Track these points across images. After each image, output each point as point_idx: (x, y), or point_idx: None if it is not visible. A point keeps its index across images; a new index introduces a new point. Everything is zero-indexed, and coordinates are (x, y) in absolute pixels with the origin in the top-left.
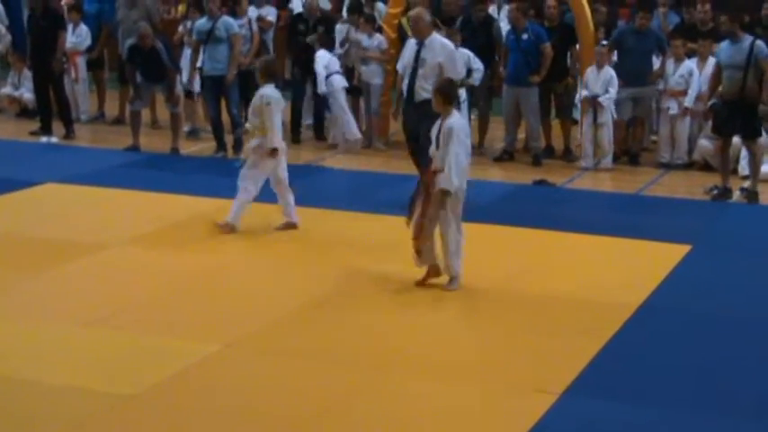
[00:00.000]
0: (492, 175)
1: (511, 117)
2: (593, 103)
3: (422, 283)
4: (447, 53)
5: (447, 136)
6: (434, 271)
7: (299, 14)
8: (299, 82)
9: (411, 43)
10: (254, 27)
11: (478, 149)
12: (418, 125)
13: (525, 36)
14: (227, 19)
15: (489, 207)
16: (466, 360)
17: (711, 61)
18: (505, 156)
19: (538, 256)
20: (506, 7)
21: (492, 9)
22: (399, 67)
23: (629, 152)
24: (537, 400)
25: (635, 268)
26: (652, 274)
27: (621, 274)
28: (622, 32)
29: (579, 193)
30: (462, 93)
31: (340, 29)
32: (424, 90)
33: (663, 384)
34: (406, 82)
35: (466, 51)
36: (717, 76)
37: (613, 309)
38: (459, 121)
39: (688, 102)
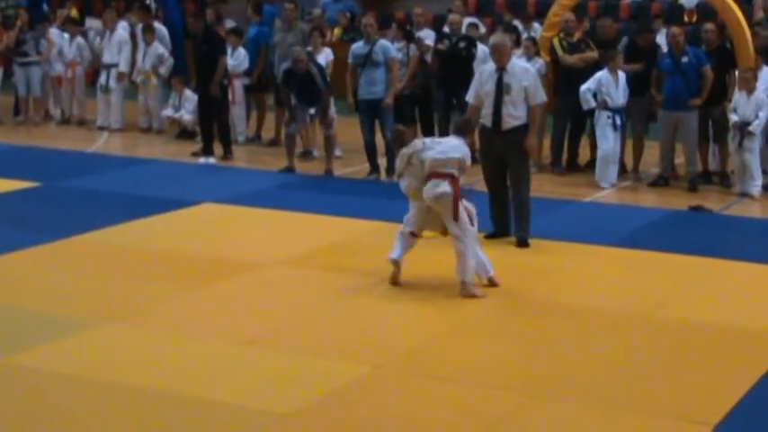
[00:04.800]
0: (646, 200)
1: (667, 142)
2: (742, 130)
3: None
4: (531, 76)
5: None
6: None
7: (443, 33)
8: (445, 107)
9: (488, 70)
10: (412, 50)
11: (633, 174)
12: (506, 153)
13: (685, 59)
14: (384, 43)
15: (643, 232)
16: (616, 387)
17: None
18: (660, 181)
19: (692, 282)
20: (663, 30)
21: None
22: (471, 96)
23: None
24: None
25: None
26: None
27: None
28: None
29: (736, 219)
30: (616, 116)
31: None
32: (513, 117)
33: None
34: (488, 110)
35: (621, 74)
36: None
37: None
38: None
39: None
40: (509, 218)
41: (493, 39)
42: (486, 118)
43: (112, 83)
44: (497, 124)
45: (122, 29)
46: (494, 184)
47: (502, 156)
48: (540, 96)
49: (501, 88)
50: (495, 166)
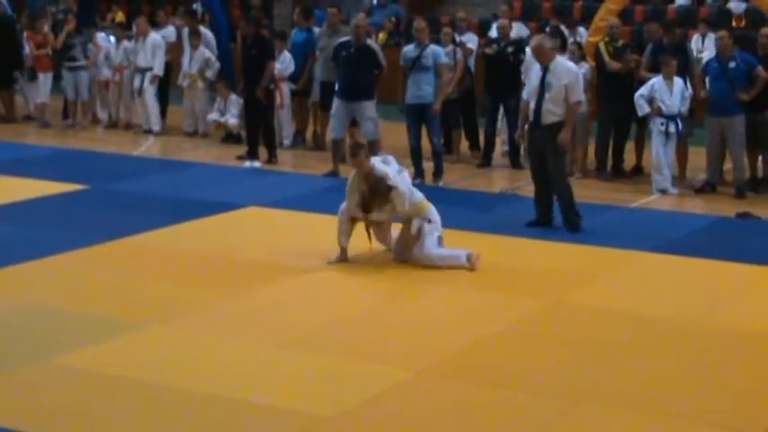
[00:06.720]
0: (693, 206)
1: (714, 147)
2: None
3: None
4: (571, 76)
5: None
6: None
7: (494, 38)
8: (491, 112)
9: (536, 69)
10: (459, 55)
11: (679, 180)
12: (544, 147)
13: (733, 64)
14: (435, 48)
15: (689, 239)
16: (664, 395)
17: None
18: (708, 187)
19: (739, 290)
20: (711, 36)
21: (696, 38)
22: (525, 93)
23: None
24: None
25: None
26: None
27: None
28: None
29: None
30: (669, 123)
31: None
32: (552, 114)
33: None
34: (532, 106)
35: (678, 80)
36: None
37: None
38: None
39: None
40: (550, 208)
41: (531, 41)
42: (531, 113)
43: (146, 85)
44: (537, 119)
45: (160, 34)
46: (537, 176)
47: (541, 150)
48: (578, 95)
49: (543, 86)
50: (537, 160)
